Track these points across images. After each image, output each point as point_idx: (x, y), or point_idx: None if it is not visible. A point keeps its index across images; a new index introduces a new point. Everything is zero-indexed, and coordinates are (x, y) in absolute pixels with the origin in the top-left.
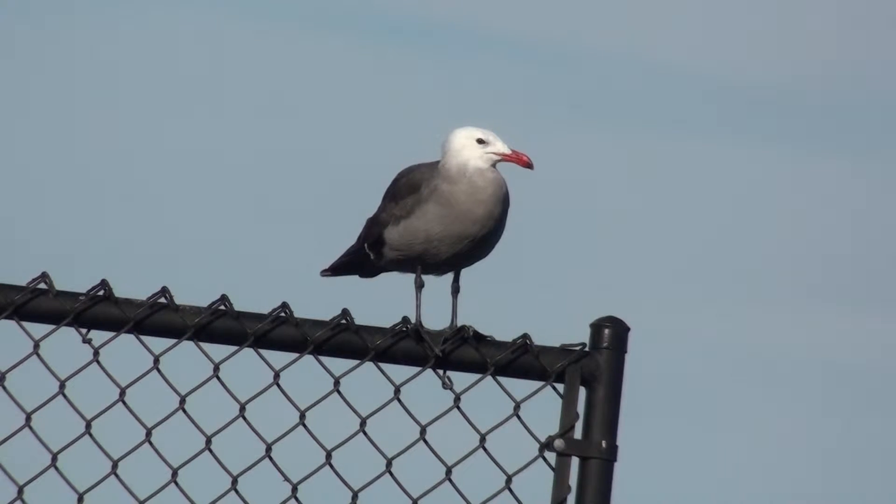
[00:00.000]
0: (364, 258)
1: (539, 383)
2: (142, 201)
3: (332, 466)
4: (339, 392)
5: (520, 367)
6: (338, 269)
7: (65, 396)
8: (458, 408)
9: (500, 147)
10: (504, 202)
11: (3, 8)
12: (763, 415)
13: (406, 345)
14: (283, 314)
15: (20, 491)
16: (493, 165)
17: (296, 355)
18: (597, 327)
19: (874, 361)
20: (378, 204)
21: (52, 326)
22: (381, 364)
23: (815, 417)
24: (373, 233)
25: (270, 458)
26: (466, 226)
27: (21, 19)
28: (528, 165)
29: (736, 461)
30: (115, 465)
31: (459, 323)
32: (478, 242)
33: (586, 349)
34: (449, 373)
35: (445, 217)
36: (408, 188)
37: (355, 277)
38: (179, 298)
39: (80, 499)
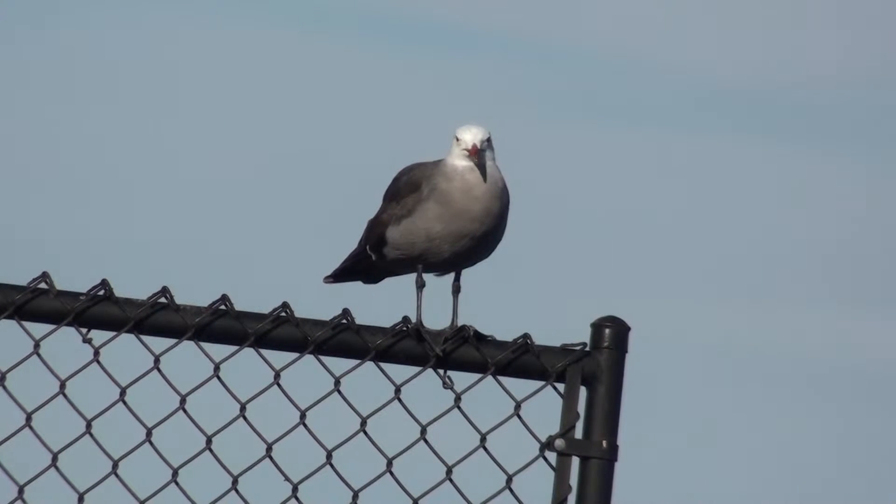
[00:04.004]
0: (367, 261)
1: (540, 383)
2: (142, 201)
3: (332, 466)
4: (339, 392)
5: (520, 366)
6: (340, 275)
7: (65, 396)
8: (459, 407)
9: (466, 142)
10: (501, 198)
11: (4, 8)
12: (763, 415)
13: (406, 344)
14: (283, 314)
15: (21, 491)
16: (486, 161)
17: (296, 355)
18: (597, 327)
19: (874, 361)
20: (379, 204)
21: (53, 326)
22: (381, 364)
23: (815, 417)
24: (374, 233)
25: (271, 458)
26: (465, 224)
27: (22, 19)
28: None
29: (736, 461)
30: (115, 464)
31: (460, 323)
32: (479, 240)
33: (587, 349)
34: (449, 372)
35: (444, 215)
36: (409, 187)
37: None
38: (180, 298)
39: (81, 498)
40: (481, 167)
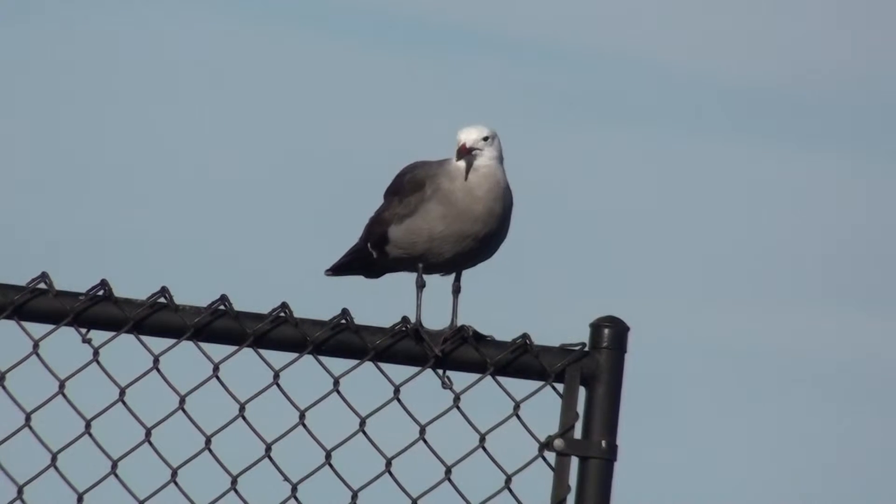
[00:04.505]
0: (367, 257)
1: (539, 383)
2: (142, 201)
3: (331, 466)
4: (338, 392)
5: (519, 366)
6: (341, 268)
7: (64, 396)
8: (458, 407)
9: (461, 141)
10: (503, 199)
11: (6, 7)
12: (763, 415)
13: (406, 345)
14: (282, 314)
15: (20, 491)
16: (477, 161)
17: (295, 355)
18: (596, 327)
19: (874, 361)
20: (380, 202)
21: (52, 326)
22: (380, 364)
23: (814, 417)
24: (376, 231)
25: (270, 458)
26: (467, 224)
27: (23, 19)
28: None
29: (736, 461)
30: (114, 464)
31: (459, 323)
32: (480, 241)
33: (586, 349)
34: (448, 372)
35: (447, 216)
36: (412, 185)
37: (357, 278)
38: (179, 298)
39: (80, 499)
40: (468, 166)
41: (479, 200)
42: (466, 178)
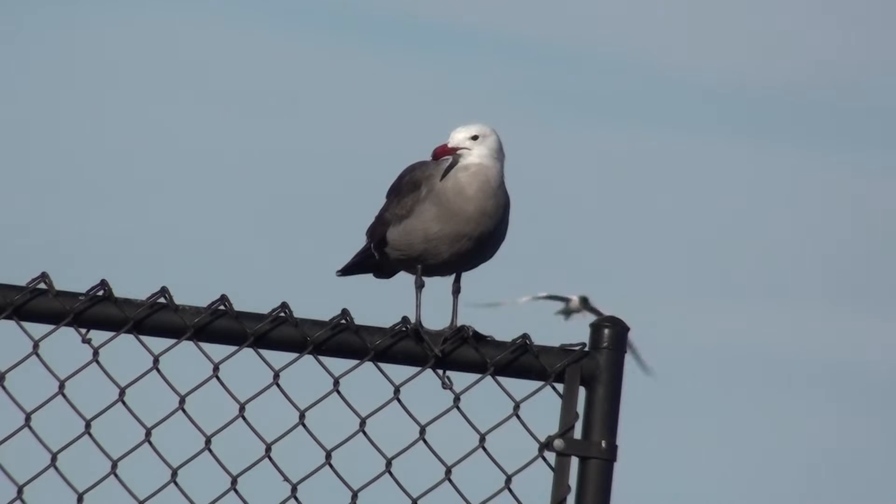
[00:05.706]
0: (373, 258)
1: (539, 383)
2: (142, 201)
3: (331, 466)
4: (338, 392)
5: (519, 366)
6: (351, 268)
7: (64, 396)
8: (458, 408)
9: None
10: (495, 198)
11: (7, 7)
12: (763, 414)
13: (406, 345)
14: (282, 314)
15: (20, 491)
16: (462, 161)
17: (295, 355)
18: (596, 327)
19: (874, 361)
20: (380, 202)
21: (52, 326)
22: (380, 364)
23: (814, 417)
24: (378, 233)
25: (270, 458)
26: (461, 224)
27: (24, 20)
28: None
29: (735, 461)
30: (114, 465)
31: (459, 323)
32: (476, 241)
33: (586, 349)
34: (449, 373)
35: (441, 216)
36: (409, 186)
37: (365, 278)
38: (179, 298)
39: (80, 499)
40: (452, 165)
41: (470, 200)
42: (441, 178)
